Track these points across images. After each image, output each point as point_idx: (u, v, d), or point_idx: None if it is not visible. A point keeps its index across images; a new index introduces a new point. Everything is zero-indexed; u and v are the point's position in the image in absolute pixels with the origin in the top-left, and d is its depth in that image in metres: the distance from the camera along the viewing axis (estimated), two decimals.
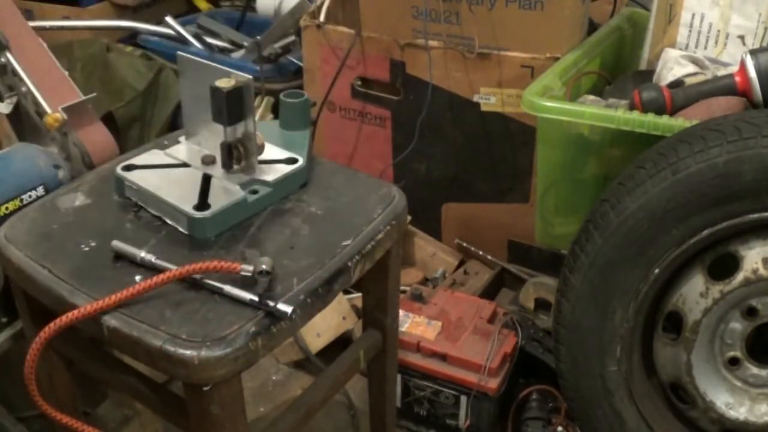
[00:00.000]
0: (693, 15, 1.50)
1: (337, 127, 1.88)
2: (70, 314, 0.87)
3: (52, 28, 2.15)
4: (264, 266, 0.88)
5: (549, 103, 1.31)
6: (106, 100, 1.88)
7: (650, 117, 1.23)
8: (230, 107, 0.98)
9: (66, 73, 1.30)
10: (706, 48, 1.50)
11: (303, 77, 1.88)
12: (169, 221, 1.02)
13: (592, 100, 1.46)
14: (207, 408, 0.88)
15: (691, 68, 1.42)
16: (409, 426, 1.52)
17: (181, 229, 1.00)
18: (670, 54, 1.47)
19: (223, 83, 0.97)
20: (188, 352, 0.83)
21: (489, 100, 1.68)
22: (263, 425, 1.08)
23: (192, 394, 0.89)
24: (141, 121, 1.95)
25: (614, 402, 1.23)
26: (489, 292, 1.77)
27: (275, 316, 0.87)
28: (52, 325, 0.88)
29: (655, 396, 1.27)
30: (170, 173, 1.08)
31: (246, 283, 0.89)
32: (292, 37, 2.09)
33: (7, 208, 1.13)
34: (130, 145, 1.83)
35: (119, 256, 0.95)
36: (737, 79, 1.27)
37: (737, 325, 1.16)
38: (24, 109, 1.24)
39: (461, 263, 1.88)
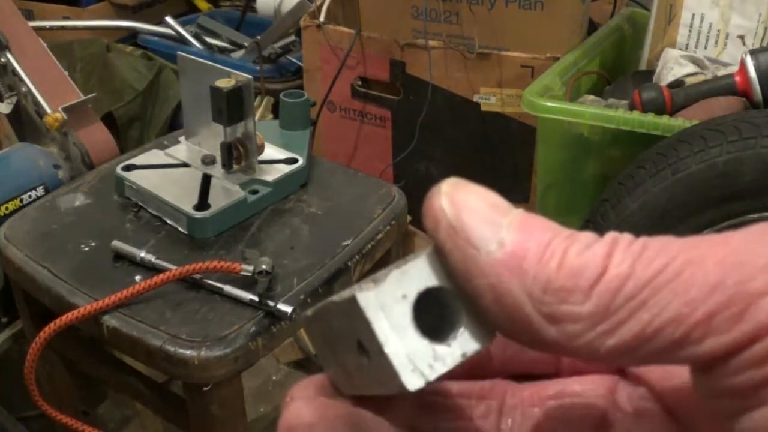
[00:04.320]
0: (693, 15, 1.50)
1: (337, 127, 1.88)
2: (70, 314, 0.87)
3: (52, 28, 2.15)
4: (264, 266, 0.88)
5: (549, 103, 1.31)
6: (106, 100, 1.88)
7: (650, 117, 1.23)
8: (230, 107, 0.98)
9: (66, 73, 1.30)
10: (706, 48, 1.50)
11: (303, 77, 1.88)
12: (169, 221, 1.02)
13: (592, 100, 1.46)
14: (207, 408, 0.88)
15: (691, 68, 1.42)
16: None
17: (180, 229, 1.00)
18: (670, 54, 1.46)
19: (223, 83, 0.97)
20: (188, 352, 0.83)
21: (489, 100, 1.67)
22: (263, 425, 1.08)
23: (192, 394, 0.89)
24: (141, 121, 1.95)
25: None
26: None
27: (275, 316, 0.87)
28: (52, 325, 0.88)
29: None
30: (170, 173, 1.08)
31: (246, 283, 0.89)
32: (292, 37, 2.09)
33: (7, 208, 1.13)
34: (130, 145, 1.83)
35: (119, 256, 0.95)
36: (737, 79, 1.27)
37: None
38: (24, 109, 1.24)
39: None
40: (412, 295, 0.21)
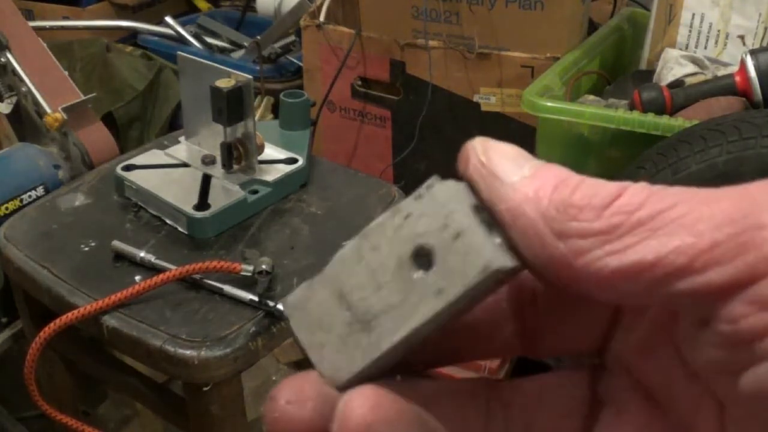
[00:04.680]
0: (693, 15, 1.50)
1: (337, 127, 1.88)
2: (70, 314, 0.87)
3: (52, 28, 2.15)
4: (264, 266, 0.88)
5: (549, 103, 1.31)
6: (106, 100, 1.88)
7: (650, 117, 1.23)
8: (230, 107, 0.98)
9: (66, 73, 1.30)
10: (706, 48, 1.50)
11: (303, 77, 1.88)
12: (168, 221, 1.02)
13: (592, 100, 1.46)
14: (207, 408, 0.88)
15: (691, 68, 1.42)
16: None
17: (180, 229, 1.00)
18: (670, 54, 1.46)
19: (223, 83, 0.97)
20: (188, 352, 0.83)
21: (489, 100, 1.67)
22: (263, 425, 1.08)
23: (192, 394, 0.89)
24: (141, 121, 1.95)
25: None
26: None
27: (275, 316, 0.87)
28: (52, 325, 0.88)
29: None
30: (170, 173, 1.08)
31: (246, 283, 0.89)
32: (292, 37, 2.09)
33: (7, 208, 1.13)
34: (130, 145, 1.83)
35: (119, 256, 0.95)
36: (737, 79, 1.27)
37: None
38: (24, 109, 1.24)
39: None
40: (467, 203, 0.22)
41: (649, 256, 0.20)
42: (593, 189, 0.21)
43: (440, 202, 0.22)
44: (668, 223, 0.20)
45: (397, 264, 0.22)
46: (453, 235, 0.22)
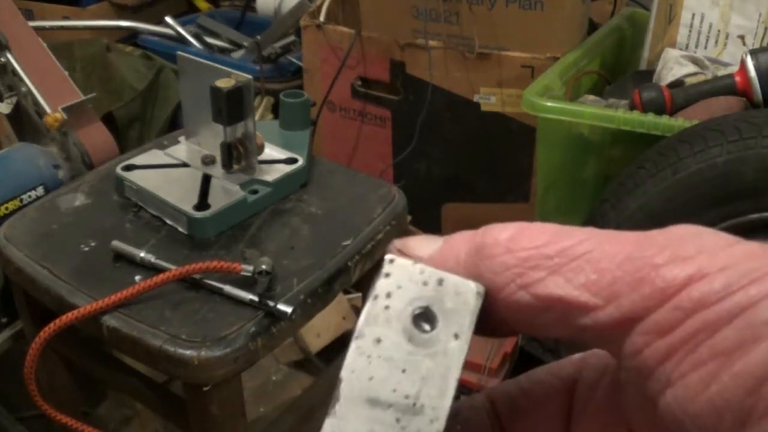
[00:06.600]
0: (693, 15, 1.50)
1: (337, 127, 1.88)
2: (70, 314, 0.87)
3: (52, 28, 2.15)
4: (264, 266, 0.88)
5: (549, 103, 1.31)
6: (106, 100, 1.88)
7: (650, 117, 1.23)
8: (230, 107, 0.98)
9: (66, 73, 1.30)
10: (706, 48, 1.50)
11: (303, 77, 1.88)
12: (168, 221, 1.02)
13: (592, 100, 1.46)
14: (207, 408, 0.88)
15: (691, 68, 1.42)
16: None
17: (181, 229, 1.00)
18: (670, 54, 1.47)
19: (223, 83, 0.97)
20: (188, 352, 0.83)
21: (489, 100, 1.67)
22: (263, 425, 1.08)
23: (192, 394, 0.89)
24: (141, 121, 1.95)
25: None
26: None
27: (275, 316, 0.87)
28: (52, 325, 0.88)
29: None
30: (170, 173, 1.08)
31: (246, 283, 0.89)
32: (292, 37, 2.09)
33: (7, 208, 1.13)
34: (130, 145, 1.83)
35: (119, 256, 0.95)
36: (737, 79, 1.27)
37: None
38: (24, 109, 1.24)
39: None
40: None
41: (556, 292, 0.21)
42: (499, 228, 0.22)
43: (407, 269, 0.24)
44: (574, 259, 0.21)
45: (406, 338, 0.23)
46: (437, 282, 0.23)
